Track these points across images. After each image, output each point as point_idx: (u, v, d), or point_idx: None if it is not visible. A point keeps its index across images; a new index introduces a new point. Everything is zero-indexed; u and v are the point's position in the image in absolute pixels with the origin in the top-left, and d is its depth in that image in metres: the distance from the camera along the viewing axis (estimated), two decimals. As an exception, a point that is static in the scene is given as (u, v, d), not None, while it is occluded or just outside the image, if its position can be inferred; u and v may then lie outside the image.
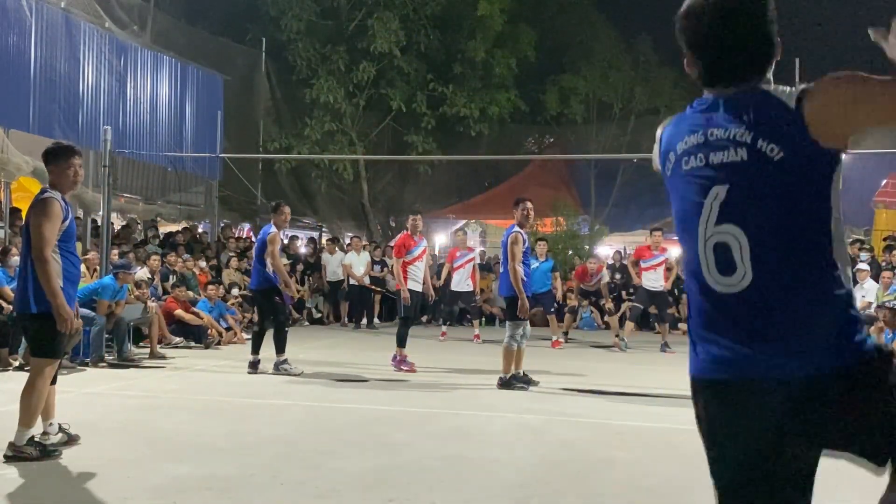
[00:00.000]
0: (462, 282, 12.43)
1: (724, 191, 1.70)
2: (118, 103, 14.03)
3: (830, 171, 1.65)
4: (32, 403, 4.41)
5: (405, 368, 8.47)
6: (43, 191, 4.58)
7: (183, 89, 15.91)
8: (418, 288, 8.81)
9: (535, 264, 10.46)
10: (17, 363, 7.96)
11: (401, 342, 8.61)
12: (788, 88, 1.68)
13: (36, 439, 4.45)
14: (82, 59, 13.08)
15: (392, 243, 11.90)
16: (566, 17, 22.50)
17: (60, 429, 4.69)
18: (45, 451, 4.44)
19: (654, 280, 11.26)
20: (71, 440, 4.70)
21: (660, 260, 11.33)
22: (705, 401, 1.77)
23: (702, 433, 1.80)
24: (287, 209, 8.62)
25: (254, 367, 8.18)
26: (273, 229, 8.31)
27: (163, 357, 9.15)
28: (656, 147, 1.96)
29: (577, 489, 4.18)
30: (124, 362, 8.64)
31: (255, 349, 8.27)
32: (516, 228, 7.59)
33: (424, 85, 19.25)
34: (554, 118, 22.49)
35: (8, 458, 4.34)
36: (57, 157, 4.61)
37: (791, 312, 1.64)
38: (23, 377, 4.70)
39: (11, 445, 4.39)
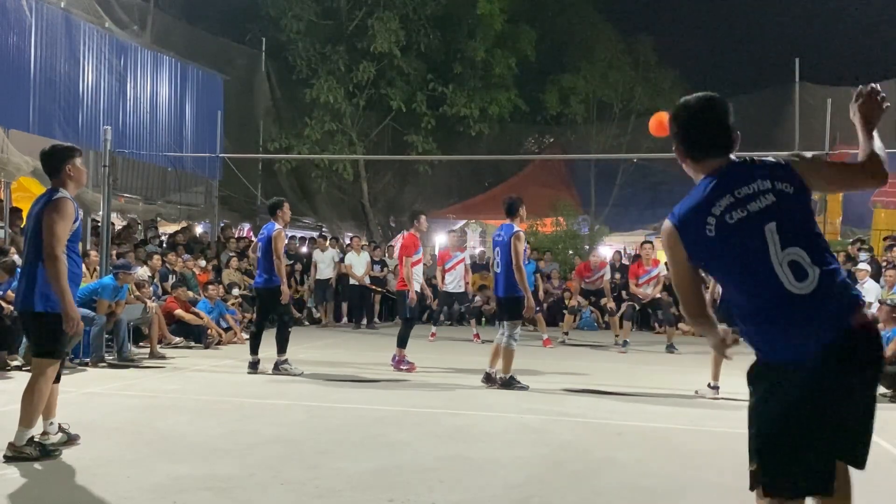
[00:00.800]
0: (455, 283, 12.64)
1: (774, 226, 2.35)
2: (118, 103, 14.03)
3: (809, 197, 2.46)
4: (33, 404, 4.41)
5: (405, 368, 8.47)
6: (55, 190, 4.56)
7: (183, 89, 15.91)
8: (418, 288, 8.82)
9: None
10: (14, 363, 7.95)
11: (402, 343, 8.59)
12: (768, 157, 2.49)
13: (36, 439, 4.45)
14: (82, 59, 13.07)
15: (392, 243, 11.93)
16: (566, 17, 22.47)
17: (60, 429, 4.69)
18: (45, 451, 4.44)
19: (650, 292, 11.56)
20: (71, 440, 4.70)
21: (654, 274, 11.49)
22: (788, 377, 2.31)
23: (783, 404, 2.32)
24: (287, 205, 8.61)
25: (253, 367, 8.18)
26: (277, 226, 8.26)
27: (163, 357, 9.15)
28: (675, 230, 2.50)
29: (577, 489, 4.18)
30: (124, 362, 8.64)
31: (254, 349, 8.27)
32: (517, 227, 7.58)
33: (424, 85, 19.25)
34: (554, 118, 22.46)
35: (8, 459, 4.34)
36: (63, 158, 4.60)
37: (838, 295, 2.33)
38: (23, 377, 4.70)
39: (11, 446, 4.39)
